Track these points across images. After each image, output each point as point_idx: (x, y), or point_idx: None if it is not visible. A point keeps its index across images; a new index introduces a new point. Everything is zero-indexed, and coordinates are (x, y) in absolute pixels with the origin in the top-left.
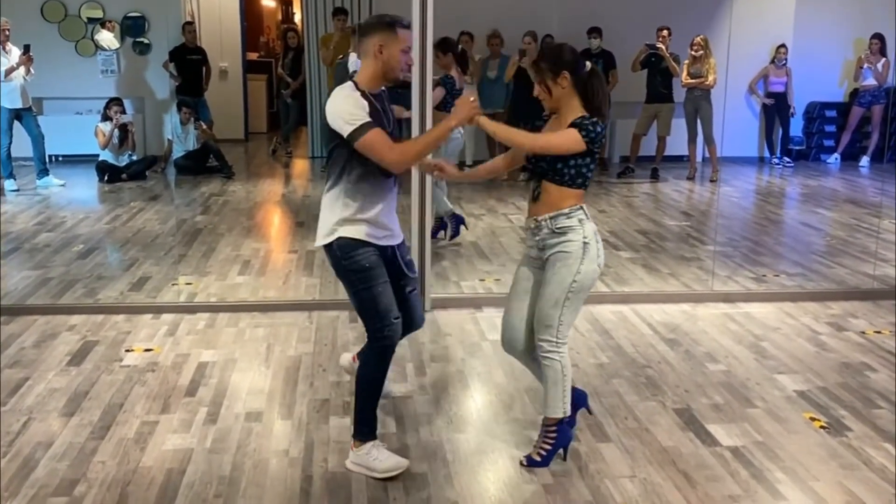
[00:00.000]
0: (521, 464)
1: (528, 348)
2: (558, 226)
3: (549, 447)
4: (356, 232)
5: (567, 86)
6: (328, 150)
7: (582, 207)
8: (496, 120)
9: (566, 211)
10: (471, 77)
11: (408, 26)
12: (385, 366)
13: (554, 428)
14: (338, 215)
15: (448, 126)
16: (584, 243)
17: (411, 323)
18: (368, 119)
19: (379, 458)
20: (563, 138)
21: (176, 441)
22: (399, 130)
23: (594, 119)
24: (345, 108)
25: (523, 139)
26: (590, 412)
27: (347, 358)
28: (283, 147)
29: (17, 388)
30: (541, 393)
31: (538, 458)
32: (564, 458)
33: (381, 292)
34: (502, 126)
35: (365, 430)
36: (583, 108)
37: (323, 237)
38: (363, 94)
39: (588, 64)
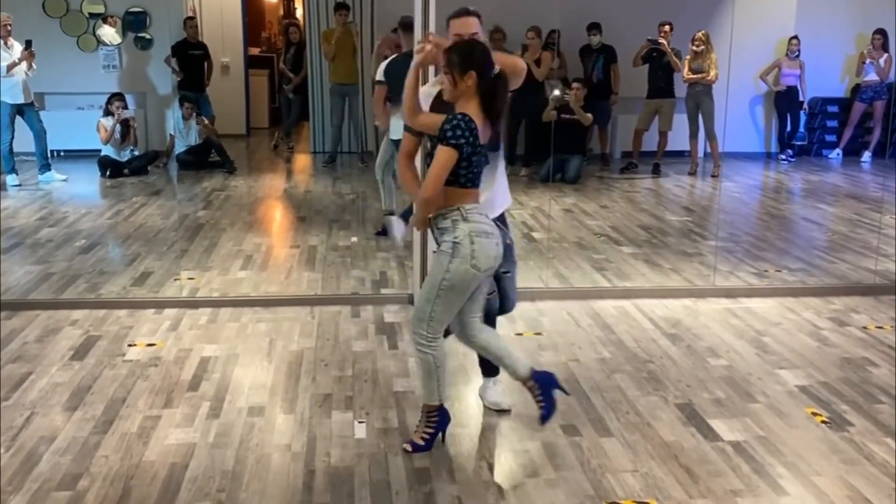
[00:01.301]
0: (405, 450)
1: (459, 334)
2: (438, 226)
3: (431, 431)
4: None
5: (472, 85)
6: None
7: (459, 208)
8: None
9: (444, 211)
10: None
11: (460, 14)
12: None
13: (435, 414)
14: None
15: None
16: (454, 244)
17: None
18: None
19: (494, 390)
20: (436, 163)
21: (179, 435)
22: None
23: (449, 119)
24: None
25: (427, 190)
26: (565, 392)
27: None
28: (284, 142)
29: (19, 382)
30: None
31: (422, 443)
32: (443, 441)
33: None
34: (416, 215)
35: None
36: (480, 110)
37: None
38: None
39: (497, 68)
